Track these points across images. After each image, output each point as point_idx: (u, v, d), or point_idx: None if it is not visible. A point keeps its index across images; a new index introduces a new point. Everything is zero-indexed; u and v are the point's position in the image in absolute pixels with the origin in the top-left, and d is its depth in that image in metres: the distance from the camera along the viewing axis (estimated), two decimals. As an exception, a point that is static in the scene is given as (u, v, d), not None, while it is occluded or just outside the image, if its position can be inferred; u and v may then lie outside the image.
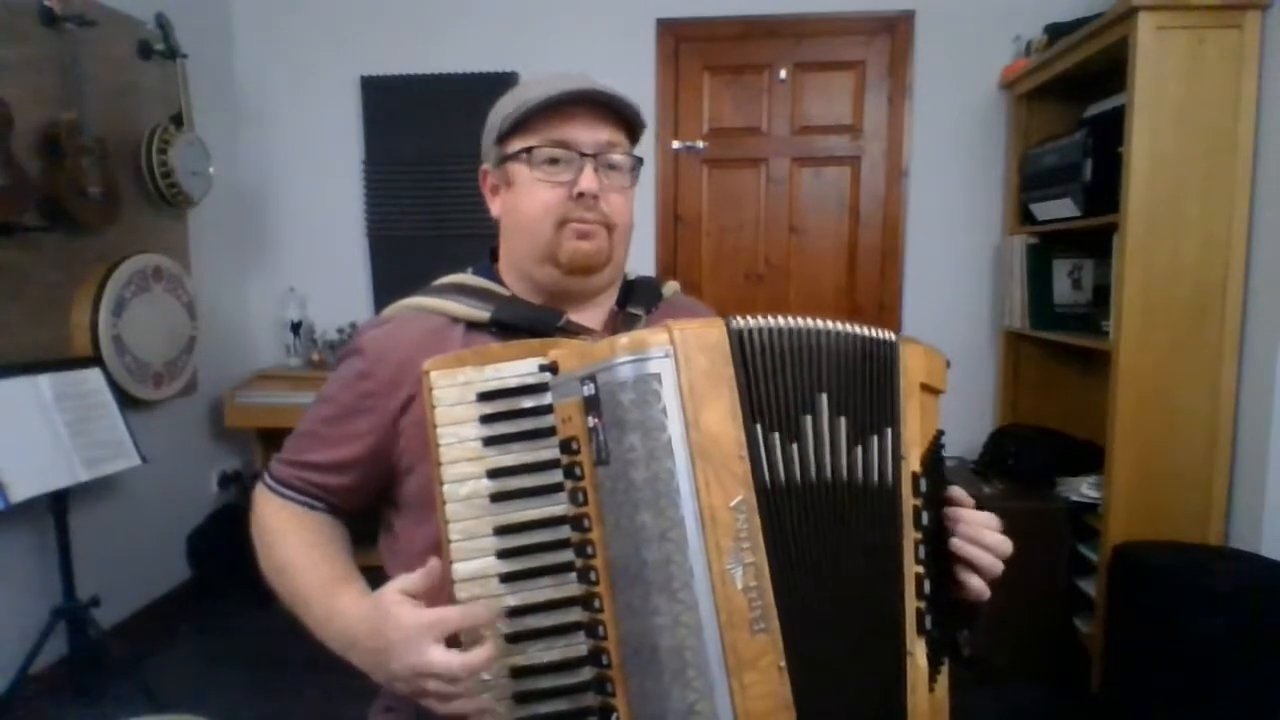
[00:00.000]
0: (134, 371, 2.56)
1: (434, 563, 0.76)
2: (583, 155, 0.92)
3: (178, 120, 2.74)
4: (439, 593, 0.76)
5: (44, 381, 2.16)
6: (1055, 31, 2.65)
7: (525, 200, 0.93)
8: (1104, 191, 2.30)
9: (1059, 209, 2.57)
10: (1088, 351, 2.61)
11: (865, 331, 0.80)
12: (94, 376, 2.31)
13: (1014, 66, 2.90)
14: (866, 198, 3.15)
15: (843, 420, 0.78)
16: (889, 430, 0.80)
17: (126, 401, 2.46)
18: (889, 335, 0.81)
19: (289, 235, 3.35)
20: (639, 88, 0.93)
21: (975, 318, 3.13)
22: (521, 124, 0.93)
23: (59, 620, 2.19)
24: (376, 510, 1.01)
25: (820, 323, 0.79)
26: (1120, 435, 2.17)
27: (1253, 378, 2.11)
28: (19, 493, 1.99)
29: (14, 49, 2.22)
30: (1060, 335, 2.66)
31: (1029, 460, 2.63)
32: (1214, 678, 1.87)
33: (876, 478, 0.79)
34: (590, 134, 0.93)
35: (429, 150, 3.18)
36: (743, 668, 0.70)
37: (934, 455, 0.84)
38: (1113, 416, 2.19)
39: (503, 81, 3.12)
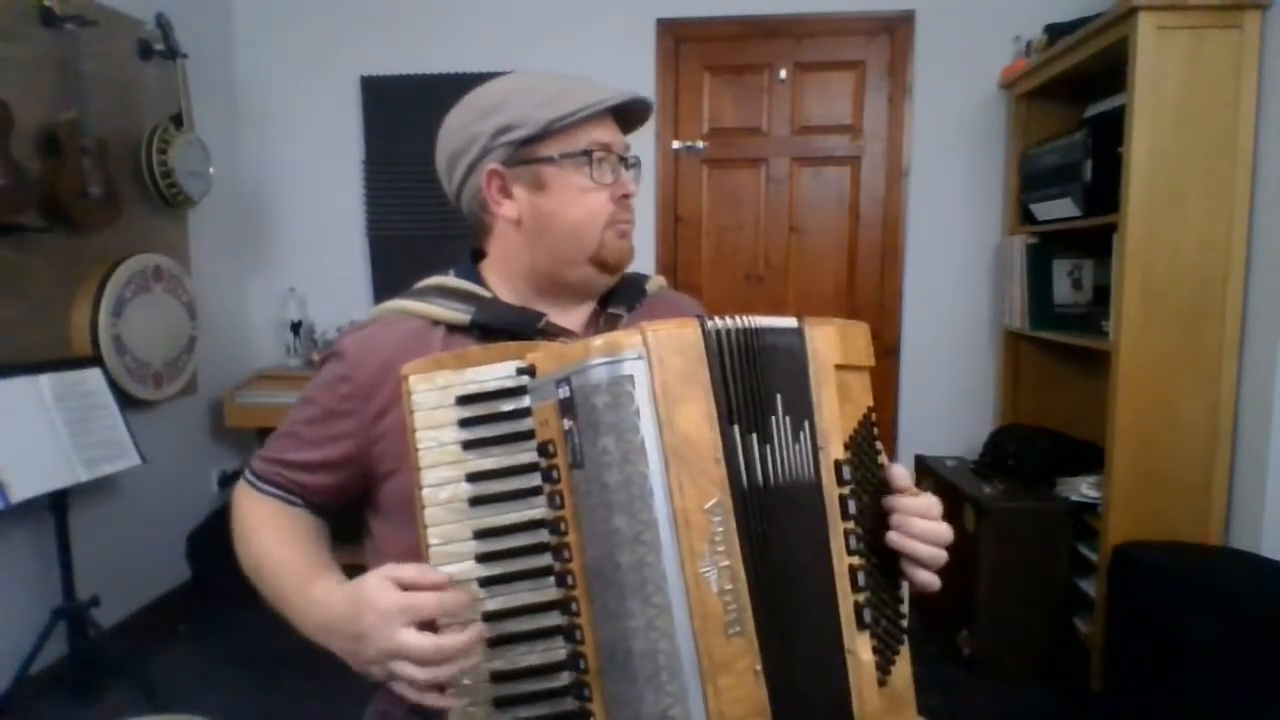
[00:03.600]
0: (134, 371, 2.56)
1: (440, 574, 0.75)
2: (619, 159, 0.96)
3: (178, 120, 2.74)
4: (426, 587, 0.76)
5: (44, 381, 2.16)
6: (1055, 31, 2.64)
7: (573, 205, 0.94)
8: (1104, 191, 2.30)
9: (1059, 209, 2.57)
10: (1088, 351, 2.61)
11: (774, 321, 0.79)
12: (94, 376, 2.31)
13: (1014, 66, 2.89)
14: (866, 198, 3.15)
15: (788, 418, 0.77)
16: (805, 422, 0.78)
17: (126, 401, 2.47)
18: (794, 322, 0.80)
19: (289, 235, 3.35)
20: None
21: (975, 318, 3.13)
22: (560, 129, 0.92)
23: (59, 620, 2.20)
24: (359, 511, 1.01)
25: (760, 319, 0.78)
26: (1120, 435, 2.17)
27: (1253, 378, 2.10)
28: (19, 493, 1.99)
29: (14, 49, 2.22)
30: (1060, 335, 2.65)
31: (1029, 460, 2.62)
32: (1214, 677, 1.86)
33: (803, 472, 0.77)
34: (617, 137, 0.97)
35: (429, 150, 3.13)
36: (717, 671, 0.70)
37: (863, 437, 0.82)
38: (1113, 416, 2.18)
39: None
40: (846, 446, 0.79)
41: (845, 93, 3.12)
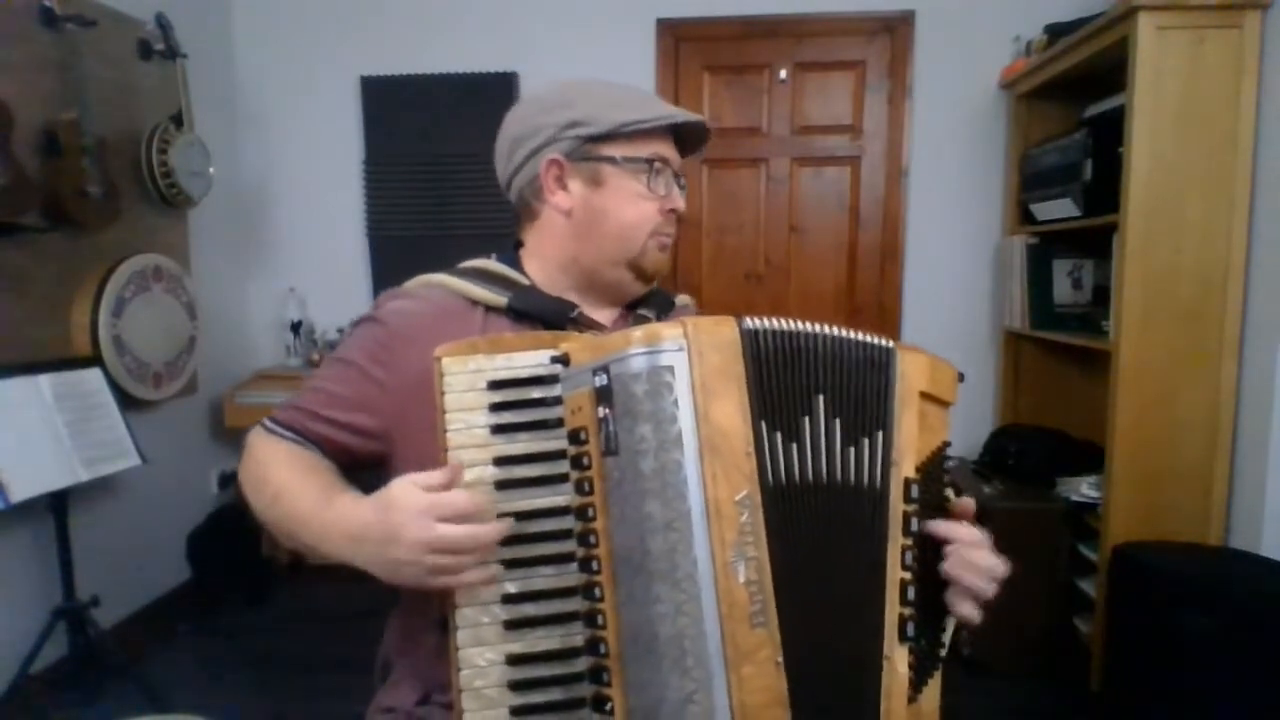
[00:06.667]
0: (134, 371, 2.56)
1: (456, 462, 0.77)
2: (675, 174, 1.00)
3: (178, 120, 2.73)
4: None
5: (44, 381, 2.15)
6: (1055, 31, 2.65)
7: (626, 208, 0.97)
8: (1104, 191, 2.30)
9: (1059, 209, 2.57)
10: (1088, 351, 2.61)
11: (864, 337, 0.81)
12: (94, 376, 2.31)
13: (1014, 66, 2.90)
14: (866, 198, 3.15)
15: (837, 422, 0.78)
16: (879, 433, 0.80)
17: (126, 401, 2.46)
18: (887, 341, 0.82)
19: (289, 235, 3.35)
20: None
21: (975, 318, 3.13)
22: (627, 133, 0.96)
23: (59, 620, 2.19)
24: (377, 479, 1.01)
25: (826, 327, 0.80)
26: (1120, 435, 2.17)
27: (1253, 378, 2.11)
28: (19, 493, 1.99)
29: (14, 49, 2.22)
30: (1060, 335, 2.66)
31: (1029, 460, 2.63)
32: (1213, 677, 1.86)
33: (865, 480, 0.79)
34: (675, 155, 1.01)
35: (429, 150, 3.18)
36: (741, 660, 0.71)
37: (935, 465, 0.84)
38: (1113, 416, 2.19)
39: (503, 82, 3.12)
40: (918, 469, 0.81)
41: (845, 93, 3.12)
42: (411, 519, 0.74)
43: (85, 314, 2.43)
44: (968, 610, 0.83)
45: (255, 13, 3.26)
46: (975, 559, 0.82)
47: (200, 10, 3.04)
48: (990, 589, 0.83)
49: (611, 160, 0.96)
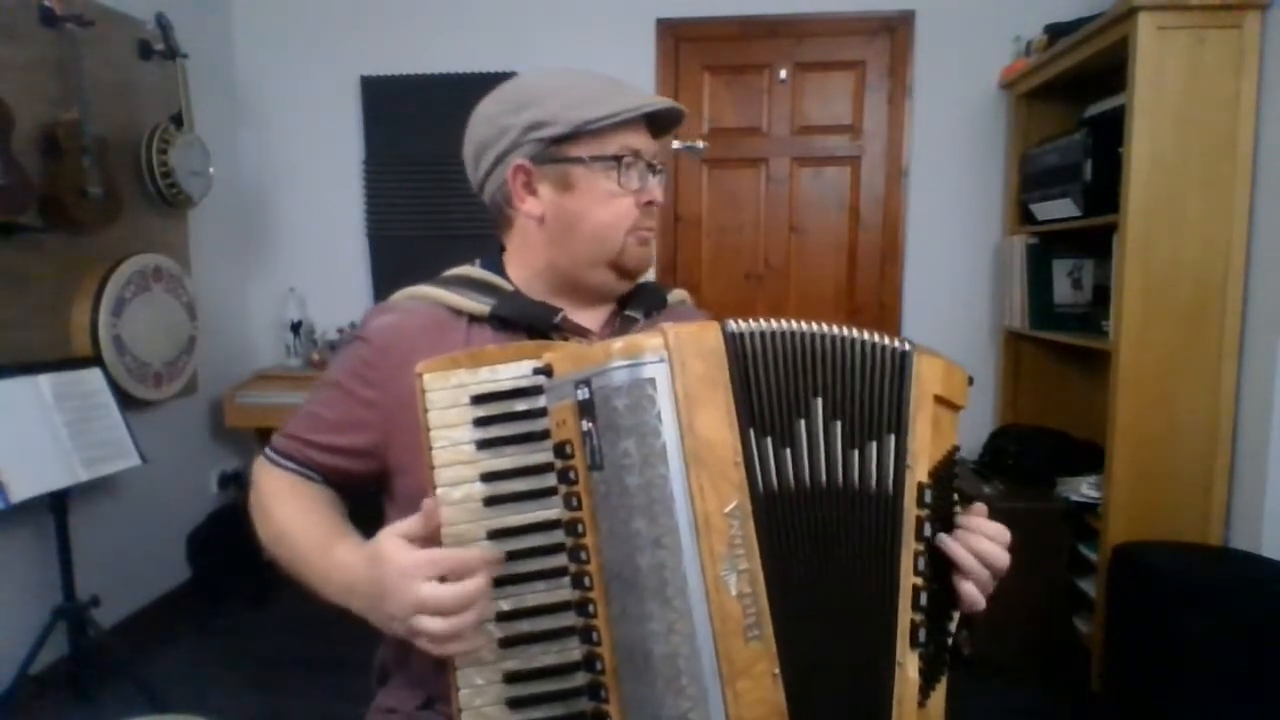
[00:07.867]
0: (134, 371, 2.56)
1: (428, 503, 0.75)
2: (648, 165, 0.95)
3: (178, 120, 2.74)
4: (434, 537, 0.77)
5: (44, 381, 2.16)
6: (1055, 31, 2.64)
7: (599, 208, 0.94)
8: (1104, 191, 2.30)
9: (1059, 209, 2.57)
10: (1088, 351, 2.61)
11: (873, 337, 0.78)
12: (94, 376, 2.31)
13: (1014, 66, 2.89)
14: (866, 198, 3.15)
15: (838, 425, 0.76)
16: (891, 437, 0.78)
17: (126, 401, 2.46)
18: (901, 343, 0.80)
19: (289, 235, 3.35)
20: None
21: (975, 318, 3.13)
22: (591, 130, 0.92)
23: (59, 620, 2.19)
24: (376, 496, 1.01)
25: (823, 326, 0.77)
26: (1120, 435, 2.17)
27: (1253, 378, 2.10)
28: (19, 493, 1.99)
29: (14, 49, 2.22)
30: (1060, 335, 2.65)
31: (1029, 460, 2.63)
32: (1214, 677, 1.86)
33: (875, 484, 0.77)
34: (649, 144, 0.96)
35: (429, 150, 3.18)
36: (736, 675, 0.70)
37: (946, 469, 0.82)
38: (1113, 416, 2.18)
39: (502, 81, 3.11)
40: (931, 474, 0.79)
41: (845, 93, 3.12)
42: (400, 577, 0.73)
43: (85, 314, 2.43)
44: (972, 592, 0.81)
45: (255, 13, 3.26)
46: (976, 543, 0.81)
47: (200, 10, 3.05)
48: (984, 574, 0.81)
49: (578, 160, 0.92)
